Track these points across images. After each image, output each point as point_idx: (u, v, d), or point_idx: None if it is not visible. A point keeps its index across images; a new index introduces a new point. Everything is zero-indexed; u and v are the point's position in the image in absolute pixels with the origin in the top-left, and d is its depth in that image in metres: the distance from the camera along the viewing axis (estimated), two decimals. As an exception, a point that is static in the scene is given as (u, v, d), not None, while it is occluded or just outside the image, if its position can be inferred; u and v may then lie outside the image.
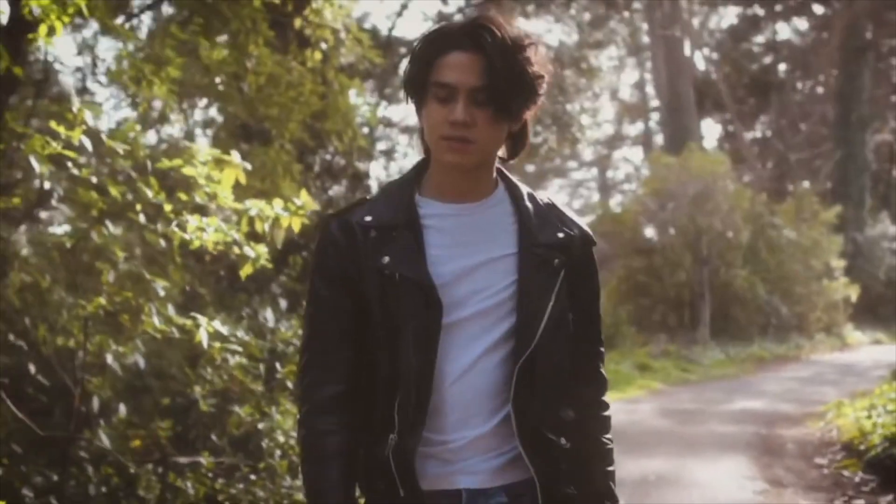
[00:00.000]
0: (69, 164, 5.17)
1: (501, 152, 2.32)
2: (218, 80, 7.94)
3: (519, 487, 2.22)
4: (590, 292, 2.36)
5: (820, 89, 40.19)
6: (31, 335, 5.89)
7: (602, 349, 2.42)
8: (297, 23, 7.86)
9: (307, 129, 8.77)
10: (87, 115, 5.08)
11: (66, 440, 5.63)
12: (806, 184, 32.31)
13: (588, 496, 2.32)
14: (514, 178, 2.38)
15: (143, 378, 6.84)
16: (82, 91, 9.05)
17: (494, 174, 2.32)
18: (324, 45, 8.06)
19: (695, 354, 20.56)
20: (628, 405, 13.44)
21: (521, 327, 2.19)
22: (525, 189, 2.35)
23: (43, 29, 4.99)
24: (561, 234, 2.28)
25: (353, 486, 2.23)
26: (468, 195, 2.27)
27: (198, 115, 11.52)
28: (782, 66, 41.40)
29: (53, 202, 5.74)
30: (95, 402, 6.21)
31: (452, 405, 2.20)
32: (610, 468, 2.38)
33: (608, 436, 2.39)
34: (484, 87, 2.13)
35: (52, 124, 4.87)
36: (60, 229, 7.62)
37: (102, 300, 5.36)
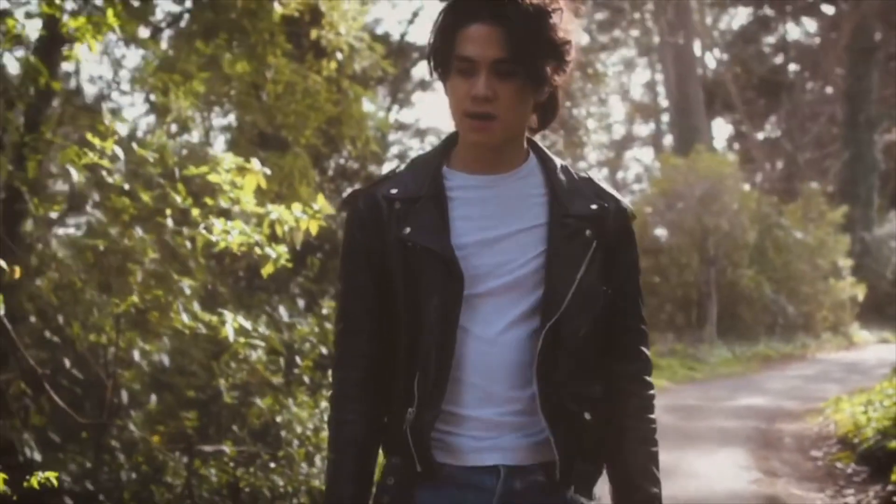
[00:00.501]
0: (103, 172, 5.58)
1: (532, 123, 2.28)
2: (236, 90, 8.33)
3: (542, 467, 2.18)
4: (627, 267, 2.30)
5: (829, 89, 40.44)
6: (66, 332, 6.30)
7: (644, 327, 2.34)
8: (313, 34, 8.24)
9: (322, 134, 9.17)
10: (119, 127, 5.49)
11: (99, 428, 6.03)
12: (814, 184, 32.55)
13: (626, 477, 2.26)
14: (548, 151, 2.32)
15: (168, 374, 7.24)
16: (102, 97, 9.46)
17: (525, 145, 2.28)
18: (339, 56, 8.45)
19: (701, 353, 20.90)
20: (634, 401, 13.82)
21: (547, 298, 2.15)
22: (559, 161, 2.31)
23: (78, 48, 5.40)
24: (594, 206, 2.23)
25: (368, 478, 2.24)
26: (497, 167, 2.23)
27: (217, 120, 11.95)
28: (792, 67, 41.68)
29: (88, 207, 6.13)
30: (124, 395, 6.63)
31: (480, 378, 2.16)
32: (653, 448, 2.27)
33: (651, 415, 2.29)
34: (506, 58, 2.10)
35: (88, 136, 5.28)
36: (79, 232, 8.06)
37: (135, 298, 5.76)
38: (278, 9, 6.45)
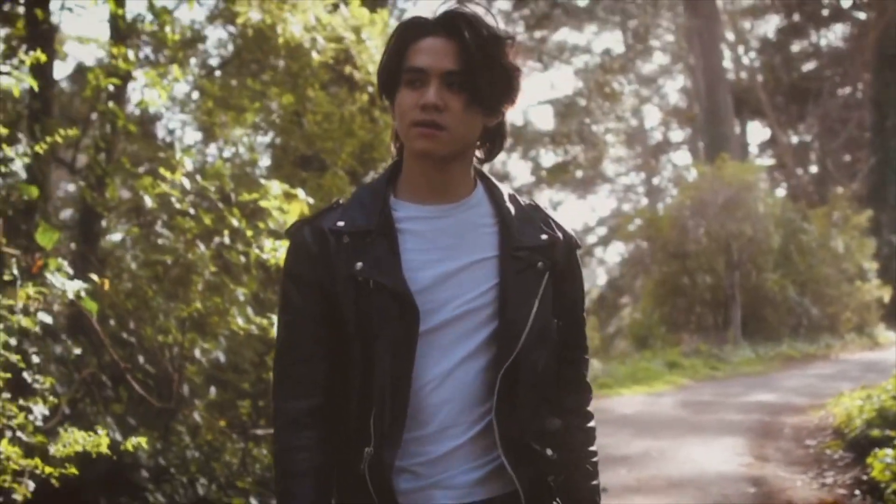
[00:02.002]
0: (171, 198, 6.67)
1: (479, 153, 2.25)
2: (280, 119, 9.40)
3: (500, 501, 2.14)
4: (574, 297, 2.29)
5: (859, 94, 40.94)
6: (139, 333, 7.38)
7: (586, 356, 2.35)
8: (347, 70, 9.29)
9: (357, 157, 10.22)
10: (187, 161, 6.58)
11: (168, 414, 7.11)
12: (842, 189, 33.19)
13: None
14: (494, 179, 2.28)
15: (224, 369, 8.30)
16: (170, 133, 10.60)
17: (473, 174, 2.24)
18: (370, 89, 9.49)
19: (725, 353, 21.71)
20: (651, 398, 14.76)
21: (502, 333, 2.10)
22: (507, 190, 2.27)
23: (151, 98, 6.48)
24: (544, 236, 2.20)
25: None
26: (444, 196, 2.18)
27: (261, 139, 13.05)
28: (822, 73, 42.20)
29: (157, 228, 7.22)
30: (185, 388, 7.69)
31: (431, 415, 2.11)
32: (594, 482, 2.30)
33: (593, 448, 2.32)
34: (458, 71, 2.07)
35: (161, 170, 6.37)
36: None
37: (197, 304, 6.83)
38: (316, 57, 7.50)
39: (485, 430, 2.12)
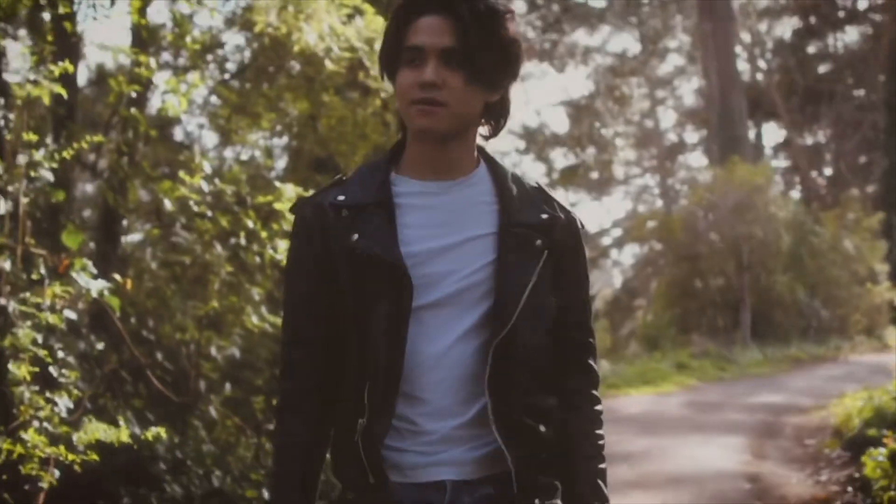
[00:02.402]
0: (190, 202, 6.98)
1: (483, 131, 2.25)
2: (296, 123, 9.71)
3: (494, 479, 2.15)
4: (577, 278, 2.27)
5: (874, 97, 41.00)
6: (158, 331, 7.70)
7: (592, 340, 2.31)
8: (361, 75, 9.58)
9: (370, 160, 10.52)
10: (205, 165, 6.89)
11: (185, 409, 7.42)
12: (856, 191, 33.32)
13: (574, 495, 2.23)
14: (498, 159, 2.27)
15: (239, 367, 8.59)
16: (188, 136, 10.93)
17: (475, 153, 2.24)
18: (383, 94, 9.77)
19: (734, 355, 21.91)
20: (658, 398, 15.03)
21: (496, 309, 2.11)
22: (509, 170, 2.27)
23: (172, 104, 6.78)
24: (545, 216, 2.20)
25: (313, 489, 2.20)
26: (446, 173, 2.19)
27: (277, 140, 13.36)
28: (837, 75, 42.28)
29: (176, 229, 7.53)
30: (202, 384, 8.00)
31: (430, 393, 2.13)
32: (601, 465, 2.26)
33: (599, 430, 2.28)
34: (455, 48, 2.08)
35: (181, 174, 6.68)
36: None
37: (214, 303, 7.13)
38: (330, 65, 7.79)
39: (477, 408, 2.13)
